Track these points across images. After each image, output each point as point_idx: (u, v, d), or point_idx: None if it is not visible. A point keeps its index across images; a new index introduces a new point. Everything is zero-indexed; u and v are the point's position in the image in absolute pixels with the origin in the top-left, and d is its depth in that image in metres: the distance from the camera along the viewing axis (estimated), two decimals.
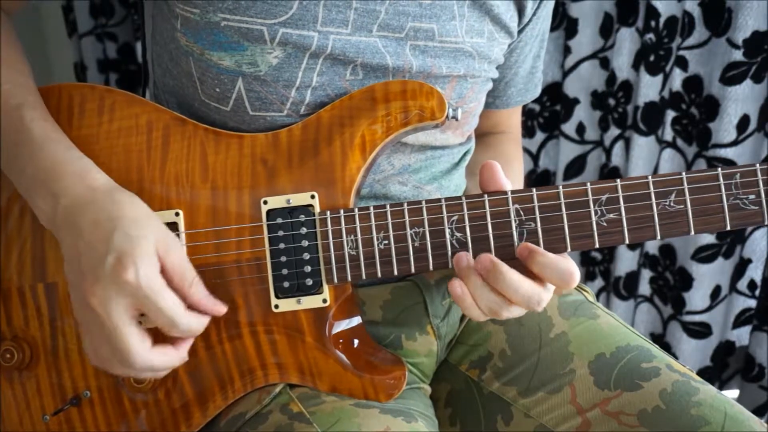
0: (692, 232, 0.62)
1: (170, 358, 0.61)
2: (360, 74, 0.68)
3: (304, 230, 0.65)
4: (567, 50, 1.28)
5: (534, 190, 0.63)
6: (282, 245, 0.65)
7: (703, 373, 1.36)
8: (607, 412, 0.67)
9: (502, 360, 0.75)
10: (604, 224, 0.62)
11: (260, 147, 0.67)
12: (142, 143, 0.68)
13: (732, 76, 1.15)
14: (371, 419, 0.62)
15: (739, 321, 1.34)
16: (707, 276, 1.28)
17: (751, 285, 1.31)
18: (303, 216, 0.65)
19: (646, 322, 1.40)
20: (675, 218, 0.62)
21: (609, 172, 1.33)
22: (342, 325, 0.67)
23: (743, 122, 1.17)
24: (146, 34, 0.83)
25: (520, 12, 0.76)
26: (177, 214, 0.66)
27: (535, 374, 0.72)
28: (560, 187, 0.63)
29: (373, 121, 0.66)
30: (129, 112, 0.68)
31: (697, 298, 1.29)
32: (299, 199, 0.66)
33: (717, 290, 1.30)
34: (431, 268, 0.64)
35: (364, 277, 0.64)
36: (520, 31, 0.79)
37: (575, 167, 1.36)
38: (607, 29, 1.26)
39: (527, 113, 1.36)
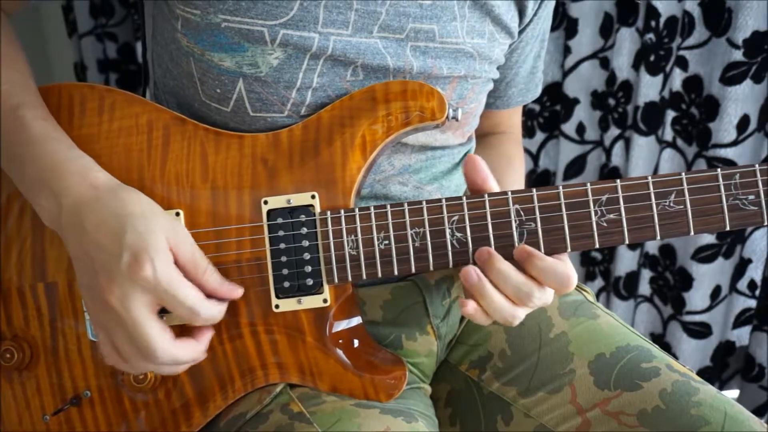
0: (692, 233, 0.62)
1: (192, 350, 0.61)
2: (360, 75, 0.68)
3: (304, 230, 0.65)
4: (567, 50, 1.28)
5: (534, 190, 0.63)
6: (282, 245, 0.65)
7: (703, 373, 1.36)
8: (607, 412, 0.67)
9: (502, 360, 0.75)
10: (604, 224, 0.62)
11: (261, 147, 0.67)
12: (142, 143, 0.68)
13: (732, 76, 1.15)
14: (371, 419, 0.62)
15: (739, 321, 1.34)
16: (707, 276, 1.28)
17: (751, 285, 1.31)
18: (303, 216, 0.65)
19: (646, 322, 1.40)
20: (675, 218, 0.62)
21: (609, 172, 1.33)
22: (342, 325, 0.67)
23: (743, 122, 1.18)
24: (146, 34, 0.83)
25: (521, 12, 0.76)
26: (177, 214, 0.66)
27: (535, 374, 0.72)
28: (560, 187, 0.63)
29: (374, 122, 0.66)
30: (129, 112, 0.68)
31: (697, 298, 1.30)
32: (300, 199, 0.66)
33: (717, 290, 1.30)
34: (432, 268, 0.64)
35: (364, 277, 0.64)
36: (520, 32, 0.79)
37: (575, 167, 1.36)
38: (607, 29, 1.26)
39: (527, 113, 1.36)
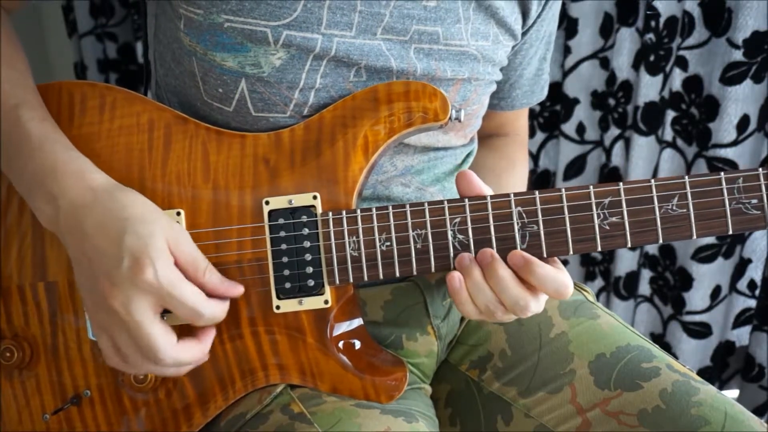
0: (694, 236, 0.62)
1: (195, 351, 0.62)
2: (364, 76, 0.68)
3: (306, 231, 0.65)
4: (567, 50, 1.28)
5: (537, 192, 0.63)
6: (284, 246, 0.65)
7: (703, 373, 1.36)
8: (607, 412, 0.67)
9: (502, 360, 0.75)
10: (607, 227, 0.62)
11: (262, 147, 0.67)
12: (143, 142, 0.68)
13: (732, 76, 1.15)
14: (372, 419, 0.62)
15: (739, 321, 1.34)
16: (707, 276, 1.28)
17: (751, 285, 1.31)
18: (305, 217, 0.65)
19: (646, 322, 1.40)
20: (677, 222, 0.62)
21: (609, 172, 1.33)
22: (343, 326, 0.67)
23: (743, 122, 1.18)
24: (148, 33, 0.82)
25: (524, 14, 0.76)
26: (178, 214, 0.66)
27: (535, 374, 0.72)
28: (563, 189, 0.63)
29: (376, 122, 0.66)
30: (130, 110, 0.68)
31: (697, 298, 1.30)
32: (301, 199, 0.65)
33: (717, 290, 1.30)
34: (433, 269, 0.64)
35: (366, 278, 0.64)
36: (524, 33, 0.78)
37: (575, 167, 1.36)
38: (607, 29, 1.26)
39: None
